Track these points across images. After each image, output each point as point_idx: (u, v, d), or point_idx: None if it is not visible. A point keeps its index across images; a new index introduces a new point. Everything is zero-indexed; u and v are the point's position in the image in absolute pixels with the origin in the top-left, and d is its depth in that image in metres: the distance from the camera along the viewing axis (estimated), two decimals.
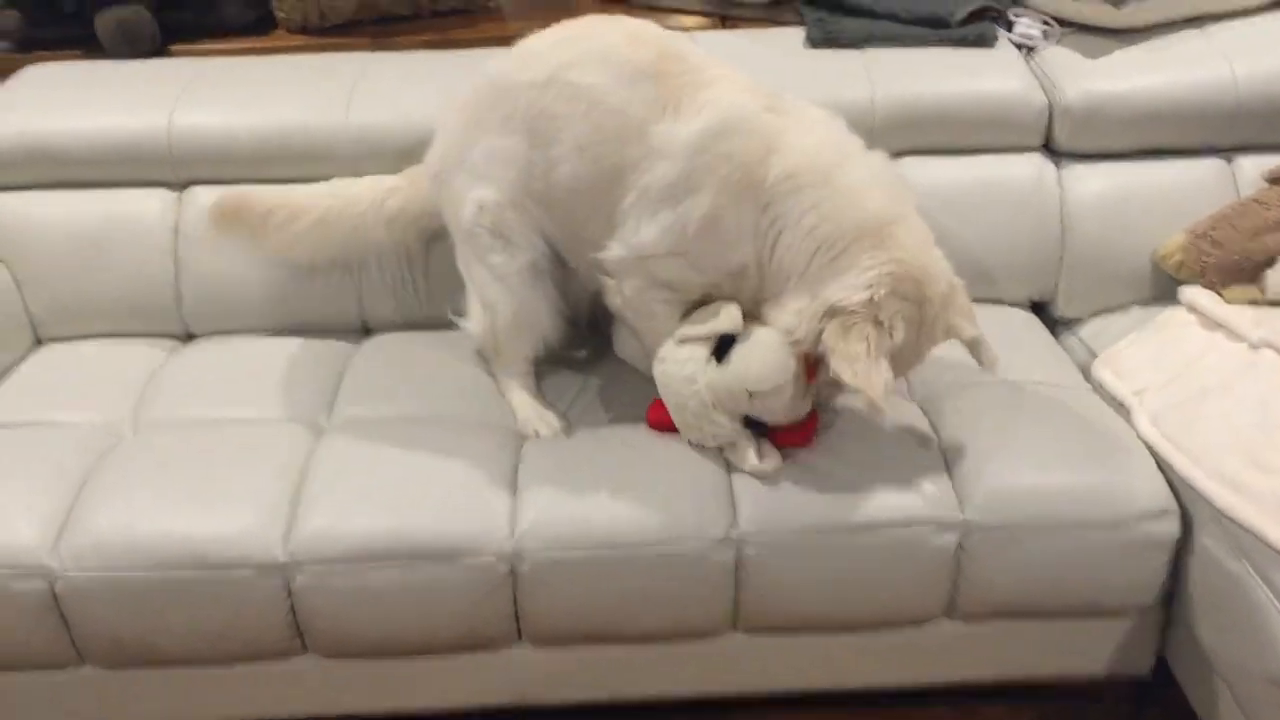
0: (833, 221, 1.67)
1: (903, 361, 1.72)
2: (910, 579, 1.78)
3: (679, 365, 1.80)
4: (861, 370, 1.62)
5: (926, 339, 1.72)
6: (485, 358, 2.05)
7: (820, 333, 1.66)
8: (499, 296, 1.93)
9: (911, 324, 1.68)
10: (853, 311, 1.63)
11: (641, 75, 1.75)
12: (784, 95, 1.80)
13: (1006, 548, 1.75)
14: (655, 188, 1.74)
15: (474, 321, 2.00)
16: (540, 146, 1.82)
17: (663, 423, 1.88)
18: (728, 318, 1.79)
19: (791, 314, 1.70)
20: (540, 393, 2.01)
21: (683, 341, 1.81)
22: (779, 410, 1.78)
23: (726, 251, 1.75)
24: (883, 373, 1.64)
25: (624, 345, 2.05)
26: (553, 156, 1.81)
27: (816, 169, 1.69)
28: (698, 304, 1.85)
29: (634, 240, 1.78)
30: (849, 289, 1.64)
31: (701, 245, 1.75)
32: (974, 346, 1.78)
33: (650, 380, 1.88)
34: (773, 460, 1.80)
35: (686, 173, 1.71)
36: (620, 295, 1.85)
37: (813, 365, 1.75)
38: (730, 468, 1.81)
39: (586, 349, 2.12)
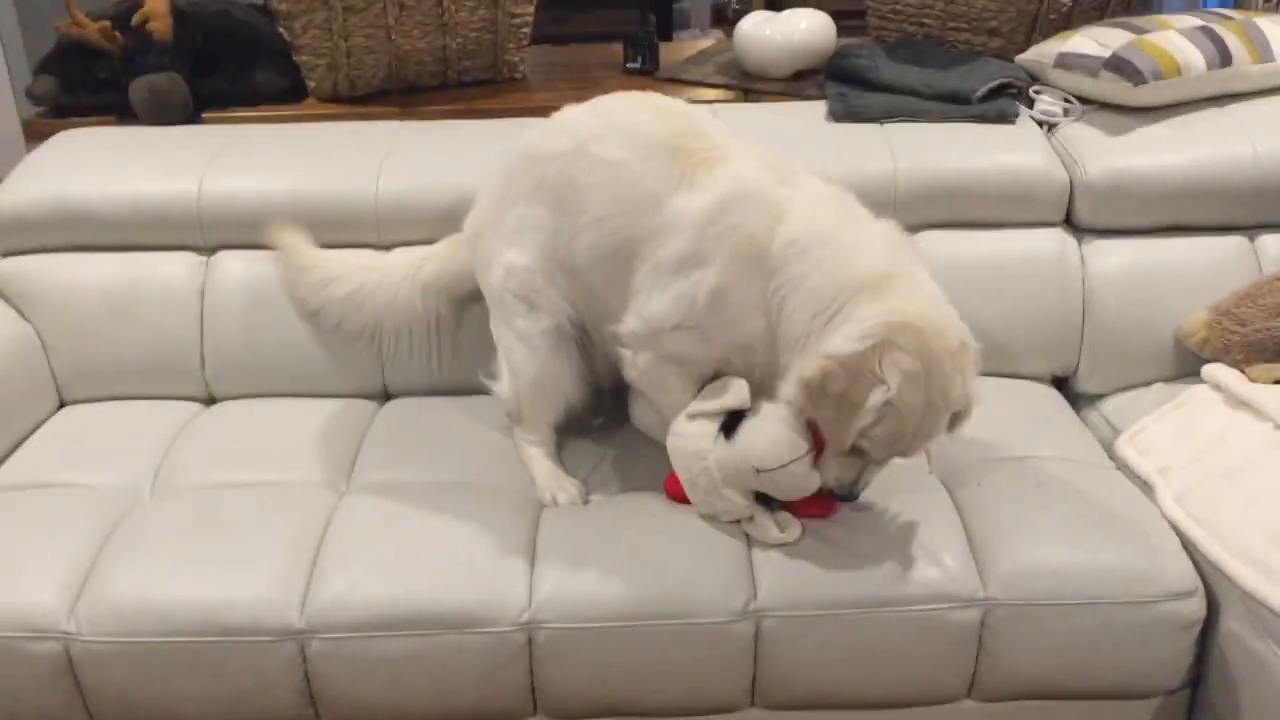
0: (832, 277, 1.66)
1: (912, 426, 1.61)
2: (932, 656, 1.76)
3: (688, 440, 1.81)
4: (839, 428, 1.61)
5: (939, 398, 1.62)
6: (511, 423, 2.05)
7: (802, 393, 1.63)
8: (523, 359, 1.96)
9: (914, 379, 1.58)
10: (840, 365, 1.58)
11: (660, 149, 1.79)
12: (799, 170, 1.81)
13: (1029, 626, 1.73)
14: (667, 260, 1.77)
15: (503, 385, 2.02)
16: (565, 215, 1.86)
17: (680, 494, 1.88)
18: (735, 393, 1.80)
19: (793, 382, 1.67)
20: (561, 460, 2.01)
21: (693, 417, 1.82)
22: (787, 488, 1.77)
23: (734, 325, 1.76)
24: (855, 428, 1.60)
25: (641, 415, 2.06)
26: (576, 226, 1.85)
27: (819, 233, 1.69)
28: (713, 378, 1.86)
29: (645, 312, 1.80)
30: (842, 340, 1.60)
31: (710, 318, 1.76)
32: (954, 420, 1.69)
33: (663, 452, 1.88)
34: (793, 530, 1.78)
35: (696, 245, 1.74)
36: (635, 368, 1.87)
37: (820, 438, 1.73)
38: (750, 540, 1.80)
39: (604, 417, 2.12)
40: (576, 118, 1.90)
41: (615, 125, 1.84)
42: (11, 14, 3.50)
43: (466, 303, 2.14)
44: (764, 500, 1.81)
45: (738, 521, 1.82)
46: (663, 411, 1.92)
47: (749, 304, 1.73)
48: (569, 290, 1.93)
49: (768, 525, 1.79)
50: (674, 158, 1.78)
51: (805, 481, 1.74)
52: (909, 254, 1.73)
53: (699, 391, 1.86)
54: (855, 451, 1.67)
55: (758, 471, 1.75)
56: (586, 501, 1.93)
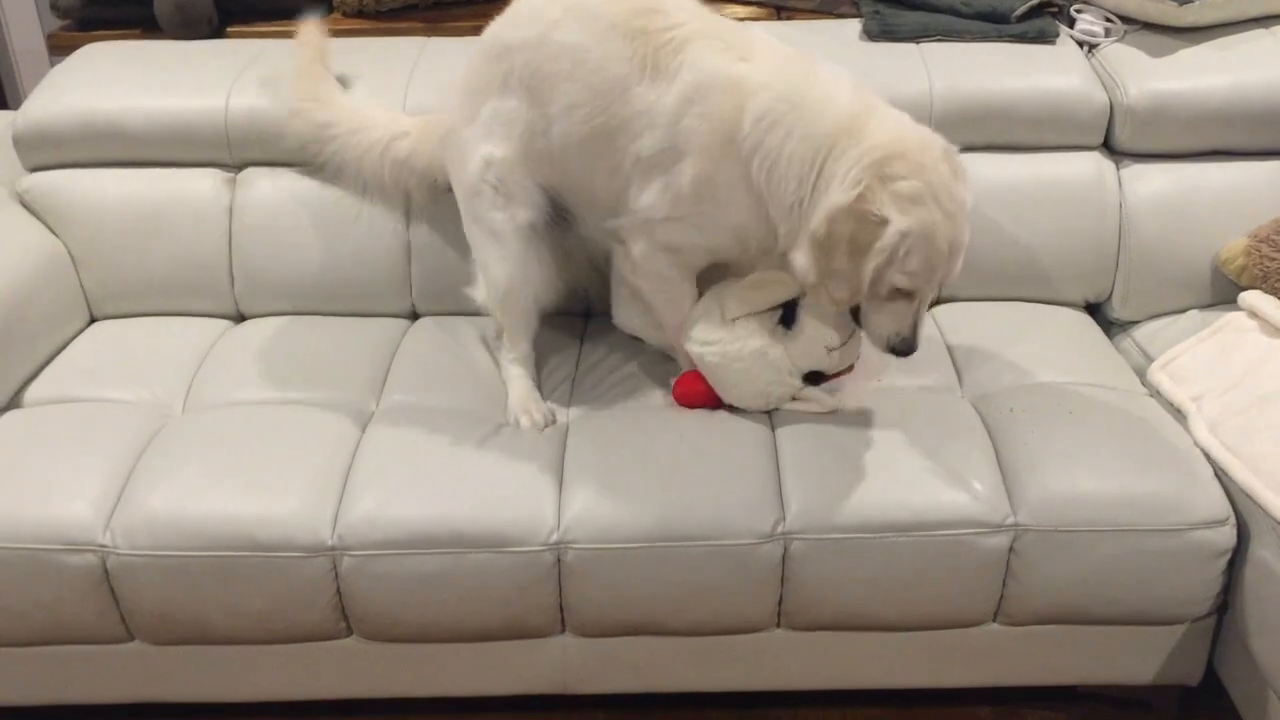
0: (807, 138, 1.67)
1: (943, 244, 1.64)
2: (959, 581, 1.76)
3: (740, 342, 1.84)
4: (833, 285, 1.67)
5: (952, 205, 1.65)
6: (488, 343, 2.07)
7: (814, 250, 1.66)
8: (496, 258, 1.95)
9: (919, 200, 1.62)
10: (845, 212, 1.61)
11: (619, 32, 1.76)
12: (755, 37, 1.78)
13: (1058, 552, 1.73)
14: (645, 155, 1.78)
15: (479, 290, 2.02)
16: (537, 105, 1.84)
17: (691, 396, 1.91)
18: (785, 286, 1.83)
19: (799, 264, 1.69)
20: (540, 381, 2.02)
21: (734, 320, 1.83)
22: (852, 356, 1.88)
23: (723, 209, 1.77)
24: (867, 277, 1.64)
25: (628, 318, 2.06)
26: (549, 115, 1.84)
27: (783, 98, 1.69)
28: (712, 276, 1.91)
29: (635, 205, 1.82)
30: (837, 193, 1.62)
31: (698, 206, 1.77)
32: None
33: (665, 356, 1.96)
34: (837, 397, 1.88)
35: (671, 139, 1.74)
36: (630, 261, 1.88)
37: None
38: (779, 461, 1.80)
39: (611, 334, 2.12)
40: (537, 4, 1.85)
41: (572, 8, 1.80)
42: None
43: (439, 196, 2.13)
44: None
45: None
46: (659, 309, 1.93)
47: (733, 186, 1.74)
48: (550, 179, 1.91)
49: (822, 396, 1.87)
50: (633, 39, 1.75)
51: (858, 345, 1.86)
52: (864, 88, 1.74)
53: (695, 288, 1.90)
54: (902, 296, 1.69)
55: (829, 350, 1.83)
56: (553, 422, 1.93)
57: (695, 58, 1.73)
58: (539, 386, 2.01)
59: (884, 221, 1.61)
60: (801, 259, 1.69)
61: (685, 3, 1.80)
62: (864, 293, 1.68)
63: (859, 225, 1.62)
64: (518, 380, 1.98)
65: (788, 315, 1.85)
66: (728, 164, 1.73)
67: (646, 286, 1.91)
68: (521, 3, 1.89)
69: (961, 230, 1.67)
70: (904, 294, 1.69)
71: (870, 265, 1.64)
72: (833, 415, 1.89)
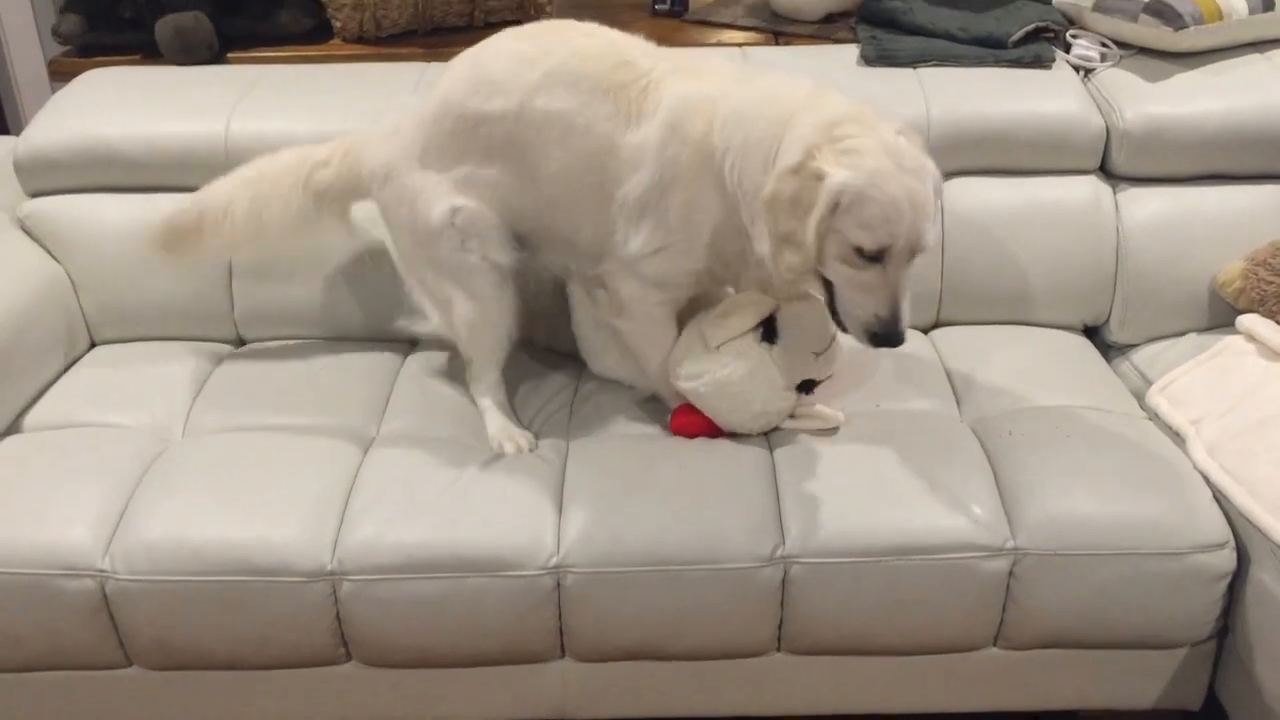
0: (763, 122, 1.69)
1: (903, 199, 1.59)
2: (959, 605, 1.76)
3: (729, 368, 1.84)
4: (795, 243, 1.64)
5: (914, 164, 1.62)
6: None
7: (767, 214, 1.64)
8: (464, 295, 1.92)
9: (869, 154, 1.60)
10: (791, 172, 1.61)
11: (600, 90, 1.79)
12: (711, 63, 1.83)
13: (1058, 576, 1.73)
14: (633, 196, 1.80)
15: (427, 322, 2.01)
16: (523, 171, 1.86)
17: (688, 428, 1.91)
18: (758, 305, 1.86)
19: (761, 242, 1.68)
20: (513, 410, 2.02)
21: (717, 348, 1.85)
22: (835, 358, 1.90)
23: (705, 225, 1.79)
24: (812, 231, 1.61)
25: (606, 366, 2.06)
26: (537, 178, 1.85)
27: (740, 99, 1.73)
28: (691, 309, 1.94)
29: (624, 251, 1.83)
30: (780, 164, 1.63)
31: (684, 230, 1.80)
32: None
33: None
34: (839, 414, 1.90)
35: (659, 173, 1.77)
36: (616, 304, 1.89)
37: None
38: (778, 483, 1.80)
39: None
40: (505, 71, 1.83)
41: (551, 73, 1.80)
42: None
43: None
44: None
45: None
46: (644, 352, 1.94)
47: (713, 202, 1.77)
48: (527, 228, 1.92)
49: (824, 411, 1.89)
50: (614, 96, 1.78)
51: (838, 346, 1.89)
52: (815, 86, 1.76)
53: (676, 328, 1.92)
54: (870, 263, 1.63)
55: (816, 355, 1.87)
56: (534, 446, 1.93)
57: (673, 90, 1.78)
58: (514, 412, 2.01)
59: (821, 175, 1.59)
60: (758, 235, 1.69)
61: (648, 49, 1.86)
62: (812, 254, 1.63)
63: (802, 183, 1.60)
64: (491, 410, 1.98)
65: (769, 331, 1.87)
66: (707, 180, 1.76)
67: (632, 329, 1.92)
68: (485, 65, 1.86)
69: (924, 188, 1.62)
70: (872, 260, 1.63)
71: (813, 220, 1.60)
72: (831, 438, 1.89)
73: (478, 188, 1.88)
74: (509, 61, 1.84)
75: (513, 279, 1.94)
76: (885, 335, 1.67)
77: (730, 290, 1.99)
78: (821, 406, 1.92)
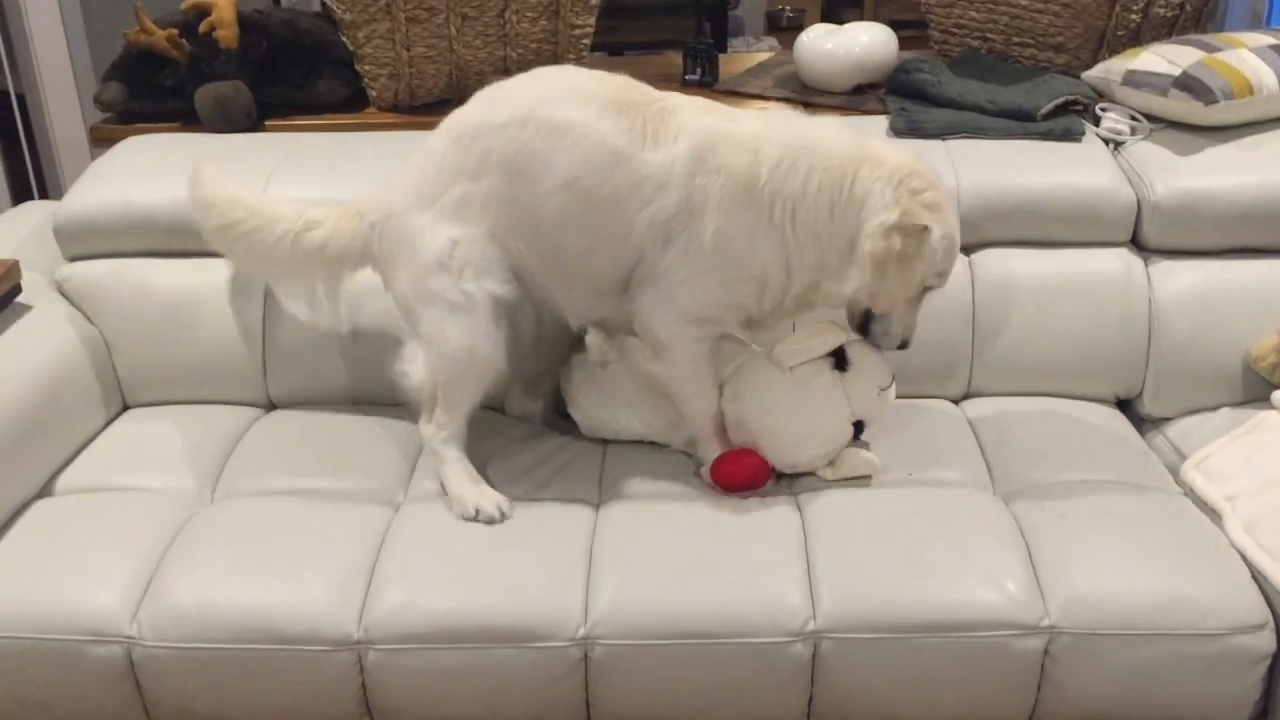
0: (828, 172, 1.80)
1: (959, 238, 1.88)
2: (992, 684, 1.73)
3: (805, 387, 1.90)
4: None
5: (951, 207, 1.89)
6: (416, 423, 2.00)
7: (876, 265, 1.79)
8: (457, 327, 1.87)
9: (941, 205, 1.84)
10: (894, 228, 1.78)
11: (613, 106, 1.83)
12: (728, 108, 1.91)
13: (1093, 656, 1.70)
14: (660, 219, 1.82)
15: (415, 370, 1.95)
16: (524, 184, 1.84)
17: (739, 473, 1.91)
18: (833, 330, 1.91)
19: (851, 285, 1.82)
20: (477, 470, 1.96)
21: (792, 369, 1.89)
22: (890, 399, 1.97)
23: (746, 259, 1.83)
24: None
25: (620, 429, 2.05)
26: (539, 192, 1.84)
27: (794, 146, 1.82)
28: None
29: (655, 272, 1.84)
30: (880, 213, 1.78)
31: (720, 260, 1.82)
32: None
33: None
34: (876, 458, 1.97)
35: (686, 197, 1.80)
36: (656, 347, 1.89)
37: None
38: (809, 556, 1.79)
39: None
40: (512, 89, 1.89)
41: (560, 86, 1.85)
42: (80, 22, 3.55)
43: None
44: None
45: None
46: (689, 397, 1.94)
47: (755, 233, 1.81)
48: (532, 260, 1.89)
49: (866, 456, 1.94)
50: (627, 113, 1.82)
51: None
52: (848, 132, 1.90)
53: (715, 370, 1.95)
54: (919, 296, 1.89)
55: (880, 390, 1.93)
56: (508, 512, 1.88)
57: (690, 122, 1.83)
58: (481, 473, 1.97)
59: (926, 229, 1.78)
60: (852, 278, 1.82)
61: (648, 86, 1.90)
62: (913, 295, 1.87)
63: (907, 237, 1.78)
64: (456, 464, 1.92)
65: (840, 360, 1.90)
66: (747, 212, 1.81)
67: (674, 372, 1.91)
68: (490, 91, 1.92)
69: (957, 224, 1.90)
70: (922, 293, 1.89)
71: (920, 270, 1.82)
72: (863, 506, 1.88)
73: (475, 209, 1.86)
74: (514, 82, 1.91)
75: (508, 322, 1.91)
76: (907, 343, 1.94)
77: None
78: (863, 451, 1.95)
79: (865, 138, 1.87)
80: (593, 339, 2.08)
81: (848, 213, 1.80)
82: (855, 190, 1.80)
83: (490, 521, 1.86)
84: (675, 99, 1.87)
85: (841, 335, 1.92)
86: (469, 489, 1.90)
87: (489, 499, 1.88)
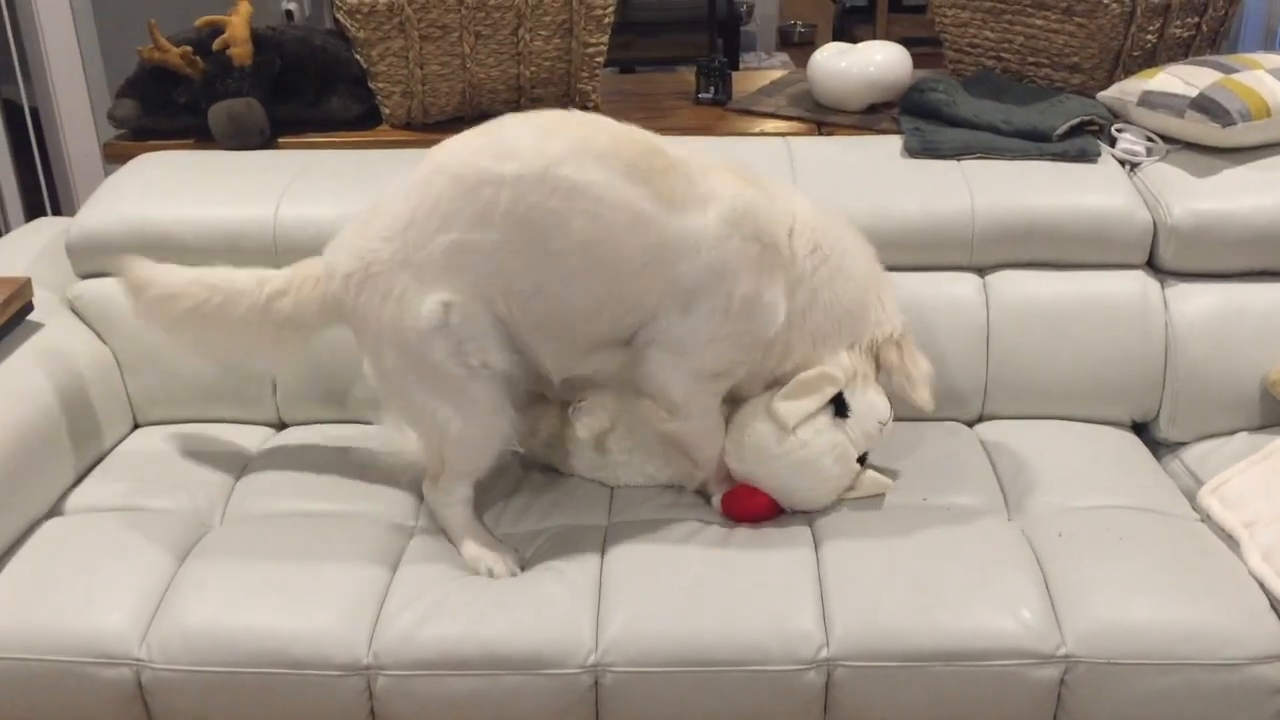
0: (854, 281, 1.89)
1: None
2: (1008, 712, 1.71)
3: (809, 447, 1.87)
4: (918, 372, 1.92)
5: None
6: (417, 485, 1.96)
7: (877, 362, 1.92)
8: (457, 409, 1.79)
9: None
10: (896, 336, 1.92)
11: (637, 170, 1.74)
12: (755, 172, 1.89)
13: (1110, 686, 1.68)
14: (684, 283, 1.77)
15: (408, 446, 1.92)
16: (531, 243, 1.72)
17: (751, 510, 1.91)
18: (828, 380, 1.88)
19: (842, 365, 1.89)
20: (485, 525, 1.93)
21: (794, 429, 1.86)
22: (891, 423, 1.96)
23: (767, 323, 1.83)
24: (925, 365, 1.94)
25: (630, 478, 2.03)
26: (549, 252, 1.73)
27: (828, 242, 1.87)
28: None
29: (670, 334, 1.79)
30: (886, 324, 1.92)
31: (743, 323, 1.80)
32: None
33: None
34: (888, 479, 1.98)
35: (719, 261, 1.77)
36: (670, 407, 1.85)
37: None
38: (821, 585, 1.77)
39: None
40: (522, 138, 1.73)
41: (577, 147, 1.72)
42: (94, 37, 3.57)
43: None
44: None
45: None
46: (700, 447, 1.92)
47: (777, 301, 1.83)
48: (514, 318, 1.78)
49: (877, 477, 1.95)
50: (651, 178, 1.75)
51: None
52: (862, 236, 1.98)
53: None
54: None
55: (882, 425, 1.93)
56: (521, 568, 1.84)
57: (721, 188, 1.80)
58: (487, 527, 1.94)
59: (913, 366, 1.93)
60: (839, 367, 1.90)
61: (671, 142, 1.84)
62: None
63: (889, 359, 1.93)
64: (466, 525, 1.88)
65: (840, 406, 1.89)
66: (777, 279, 1.82)
67: (689, 428, 1.88)
68: (492, 134, 1.76)
69: None
70: None
71: (895, 381, 1.94)
72: (877, 533, 1.87)
73: (466, 263, 1.72)
74: (527, 130, 1.75)
75: (508, 389, 1.82)
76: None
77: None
78: (873, 473, 1.95)
79: (878, 270, 1.96)
80: (583, 421, 2.00)
81: (856, 325, 1.90)
82: (869, 307, 1.91)
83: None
84: (696, 163, 1.81)
85: (839, 381, 1.89)
86: (482, 553, 1.85)
87: (501, 564, 1.83)
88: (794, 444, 1.87)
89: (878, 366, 1.92)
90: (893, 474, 1.99)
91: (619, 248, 1.75)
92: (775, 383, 1.90)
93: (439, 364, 1.76)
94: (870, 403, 1.91)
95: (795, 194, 1.92)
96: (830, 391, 1.88)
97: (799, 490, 1.91)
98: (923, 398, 1.91)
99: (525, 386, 1.92)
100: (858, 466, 1.93)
